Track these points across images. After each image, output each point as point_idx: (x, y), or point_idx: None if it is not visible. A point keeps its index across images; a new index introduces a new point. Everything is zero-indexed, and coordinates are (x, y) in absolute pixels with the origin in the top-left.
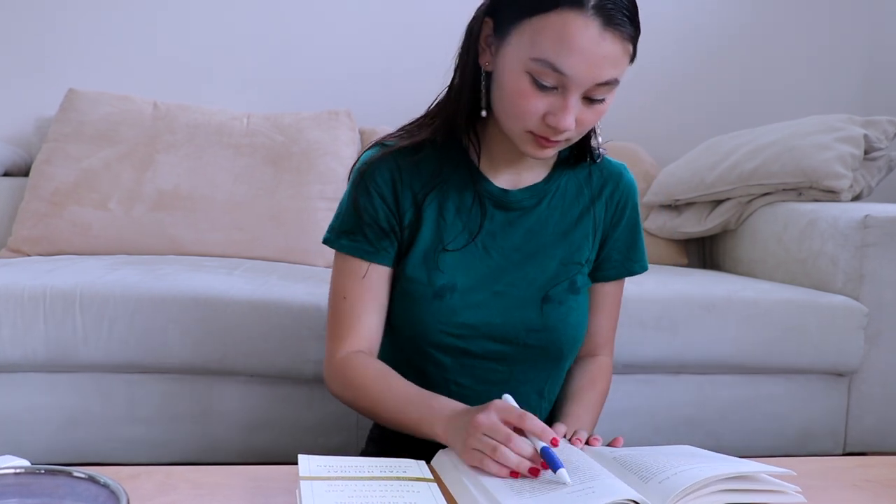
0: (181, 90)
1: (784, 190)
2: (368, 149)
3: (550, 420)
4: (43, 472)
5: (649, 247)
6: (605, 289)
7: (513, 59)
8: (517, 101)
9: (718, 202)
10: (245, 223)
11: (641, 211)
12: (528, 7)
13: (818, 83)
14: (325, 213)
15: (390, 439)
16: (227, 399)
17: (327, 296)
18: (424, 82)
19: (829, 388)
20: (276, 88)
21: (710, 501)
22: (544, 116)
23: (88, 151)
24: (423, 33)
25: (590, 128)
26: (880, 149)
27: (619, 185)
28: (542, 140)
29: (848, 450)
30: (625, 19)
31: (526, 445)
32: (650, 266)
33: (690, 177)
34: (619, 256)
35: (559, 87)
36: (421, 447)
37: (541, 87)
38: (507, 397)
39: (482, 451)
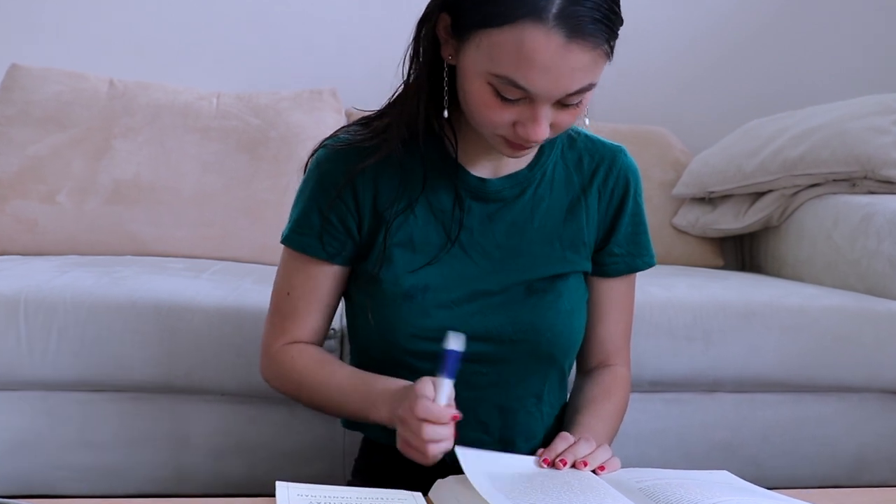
0: (141, 66)
1: (835, 180)
2: (327, 140)
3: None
4: None
5: (680, 246)
6: (610, 287)
7: (472, 67)
8: (482, 110)
9: (759, 195)
10: (215, 219)
11: (670, 204)
12: (483, 18)
13: (871, 59)
14: None
15: (379, 469)
16: (195, 421)
17: None
18: None
19: (886, 409)
20: (250, 64)
21: None
22: (514, 125)
23: (35, 136)
24: (417, 2)
25: (568, 128)
26: None
27: (613, 169)
28: (515, 144)
29: None
30: (596, 25)
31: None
32: (680, 268)
33: (727, 166)
34: (621, 251)
35: (526, 99)
36: (415, 479)
37: (505, 100)
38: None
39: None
